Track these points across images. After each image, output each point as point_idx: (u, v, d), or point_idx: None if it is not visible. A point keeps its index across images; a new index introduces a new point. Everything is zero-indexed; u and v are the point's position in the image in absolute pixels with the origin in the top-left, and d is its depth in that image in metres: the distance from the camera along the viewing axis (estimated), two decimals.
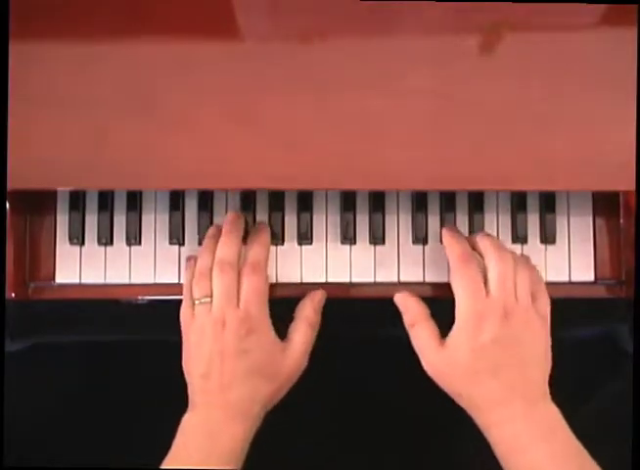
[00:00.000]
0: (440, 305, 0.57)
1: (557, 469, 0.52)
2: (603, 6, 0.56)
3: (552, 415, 0.54)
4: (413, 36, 0.56)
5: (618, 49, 0.55)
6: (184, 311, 0.57)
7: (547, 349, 0.55)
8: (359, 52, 0.55)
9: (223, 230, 0.58)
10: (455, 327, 0.55)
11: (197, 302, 0.56)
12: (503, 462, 0.53)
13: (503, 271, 0.54)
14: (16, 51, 0.54)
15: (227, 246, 0.57)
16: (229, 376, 0.54)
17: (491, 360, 0.53)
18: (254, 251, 0.58)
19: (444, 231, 0.58)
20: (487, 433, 0.54)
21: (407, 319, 0.57)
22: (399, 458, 0.68)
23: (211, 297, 0.55)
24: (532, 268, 0.57)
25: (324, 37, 0.56)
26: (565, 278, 0.61)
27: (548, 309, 0.56)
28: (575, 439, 0.53)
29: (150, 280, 0.60)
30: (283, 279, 0.61)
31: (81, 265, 0.60)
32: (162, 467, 0.53)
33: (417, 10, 0.56)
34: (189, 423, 0.54)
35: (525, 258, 0.59)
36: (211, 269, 0.56)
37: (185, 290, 0.58)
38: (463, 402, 0.55)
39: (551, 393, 0.55)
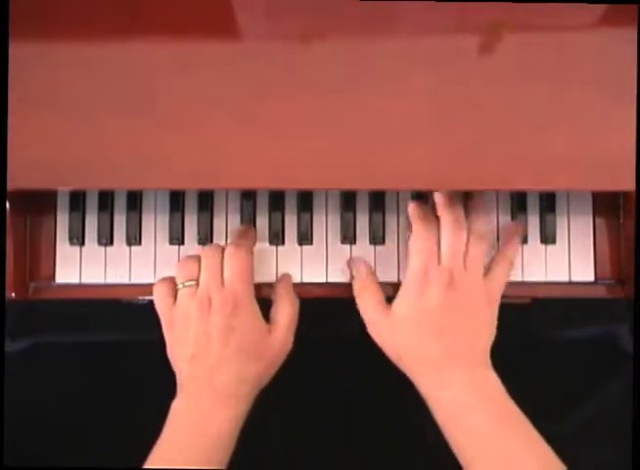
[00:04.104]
0: None
1: (495, 435, 0.52)
2: (603, 6, 0.56)
3: (492, 383, 0.55)
4: (413, 36, 0.56)
5: (618, 49, 0.55)
6: (162, 300, 0.56)
7: (492, 321, 0.56)
8: (359, 52, 0.55)
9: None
10: (402, 288, 0.56)
11: (180, 285, 0.56)
12: (443, 428, 0.54)
13: (455, 242, 0.56)
14: (16, 51, 0.54)
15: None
16: (216, 357, 0.54)
17: (434, 324, 0.55)
18: (239, 234, 0.59)
19: (411, 205, 0.58)
20: (427, 398, 0.55)
21: (356, 284, 0.58)
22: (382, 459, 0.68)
23: (196, 280, 0.56)
24: (484, 244, 0.57)
25: (324, 37, 0.56)
26: (565, 278, 0.61)
27: (500, 286, 0.57)
28: (517, 407, 0.53)
29: (150, 280, 0.60)
30: None
31: (81, 265, 0.60)
32: (153, 452, 0.53)
33: (417, 10, 0.56)
34: (178, 408, 0.54)
35: (481, 237, 0.58)
36: (198, 257, 0.57)
37: (162, 279, 0.58)
38: (404, 366, 0.56)
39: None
